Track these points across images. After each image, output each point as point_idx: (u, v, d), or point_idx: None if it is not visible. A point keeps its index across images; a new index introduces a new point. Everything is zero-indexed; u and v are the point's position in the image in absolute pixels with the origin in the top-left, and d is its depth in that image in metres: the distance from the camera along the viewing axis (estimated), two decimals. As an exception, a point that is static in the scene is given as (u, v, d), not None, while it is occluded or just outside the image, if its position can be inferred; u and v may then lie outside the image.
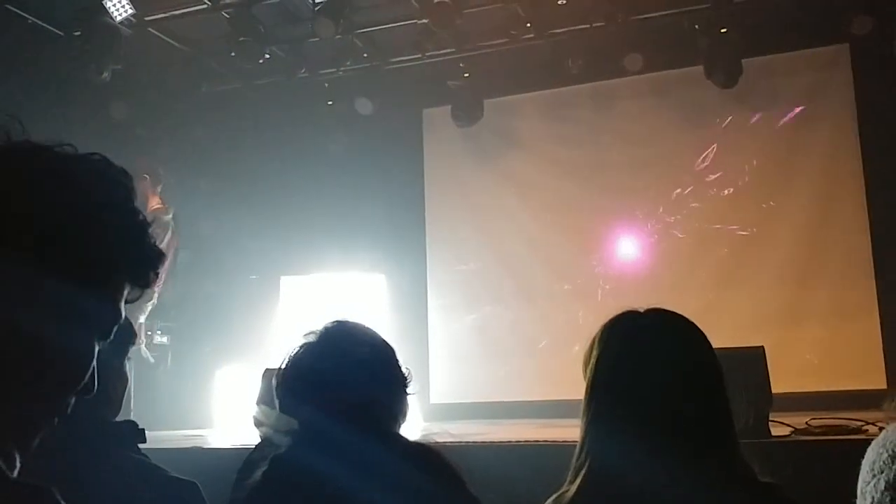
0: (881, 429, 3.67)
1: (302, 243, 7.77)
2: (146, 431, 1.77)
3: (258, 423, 3.58)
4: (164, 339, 7.47)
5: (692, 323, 1.67)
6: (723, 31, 6.91)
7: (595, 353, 1.66)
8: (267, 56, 7.26)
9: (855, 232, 6.94)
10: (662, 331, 1.65)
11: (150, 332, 7.16)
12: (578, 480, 1.57)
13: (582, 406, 1.63)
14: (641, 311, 1.67)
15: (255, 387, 3.54)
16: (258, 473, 0.95)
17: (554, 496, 1.60)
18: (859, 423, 3.79)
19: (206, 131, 8.09)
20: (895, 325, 6.57)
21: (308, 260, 7.67)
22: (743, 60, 7.00)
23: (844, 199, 7.05)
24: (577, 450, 1.60)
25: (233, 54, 7.21)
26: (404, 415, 1.62)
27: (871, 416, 3.81)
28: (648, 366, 1.60)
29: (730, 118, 7.49)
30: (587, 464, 1.59)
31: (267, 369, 3.57)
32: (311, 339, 1.72)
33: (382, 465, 0.91)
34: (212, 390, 7.05)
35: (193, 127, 8.05)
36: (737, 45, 6.95)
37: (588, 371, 1.64)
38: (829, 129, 7.19)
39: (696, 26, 7.01)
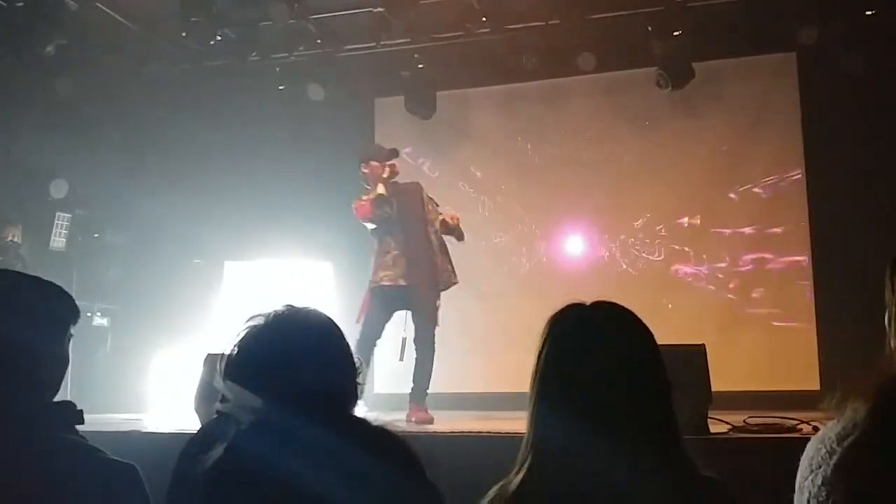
0: (815, 428, 3.79)
1: (248, 228, 7.67)
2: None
3: (198, 409, 3.52)
4: (104, 322, 7.33)
5: (637, 317, 1.69)
6: (675, 34, 7.01)
7: (540, 345, 1.66)
8: (218, 38, 7.14)
9: (796, 237, 7.10)
10: (607, 323, 1.66)
11: (89, 314, 7.01)
12: (523, 471, 1.58)
13: (528, 398, 1.63)
14: (587, 303, 1.68)
15: (195, 372, 3.48)
16: (206, 462, 0.93)
17: (498, 485, 1.60)
18: (794, 423, 3.88)
19: (153, 111, 7.93)
20: (830, 330, 6.74)
21: (254, 245, 7.57)
22: (694, 64, 7.11)
23: (787, 205, 7.21)
24: (524, 441, 1.61)
25: (183, 34, 7.07)
26: (355, 402, 1.61)
27: (806, 415, 3.92)
28: (593, 358, 1.60)
29: (679, 120, 7.59)
30: (531, 455, 1.59)
31: (209, 354, 3.51)
32: (260, 322, 1.69)
33: (339, 451, 0.90)
34: (151, 374, 6.93)
35: (140, 107, 7.88)
36: (688, 49, 7.06)
37: (534, 363, 1.64)
38: (774, 135, 7.35)
39: (650, 28, 7.09)
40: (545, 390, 1.60)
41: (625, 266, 7.56)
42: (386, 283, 5.45)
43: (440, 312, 5.68)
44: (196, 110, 8.02)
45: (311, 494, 0.85)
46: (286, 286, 7.04)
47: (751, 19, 7.02)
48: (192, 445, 1.72)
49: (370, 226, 5.59)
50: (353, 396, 1.64)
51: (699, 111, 7.53)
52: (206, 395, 3.37)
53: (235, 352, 1.65)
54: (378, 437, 0.96)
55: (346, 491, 0.86)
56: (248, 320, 1.71)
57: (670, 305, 7.26)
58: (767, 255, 7.21)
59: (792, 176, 7.22)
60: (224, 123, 8.03)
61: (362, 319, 5.44)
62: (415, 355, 5.53)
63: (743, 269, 7.25)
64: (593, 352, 1.60)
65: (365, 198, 5.57)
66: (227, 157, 8.04)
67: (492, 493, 1.60)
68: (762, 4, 6.88)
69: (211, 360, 3.60)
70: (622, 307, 1.69)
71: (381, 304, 5.47)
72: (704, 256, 7.35)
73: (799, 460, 1.42)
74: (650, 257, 7.52)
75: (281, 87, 7.85)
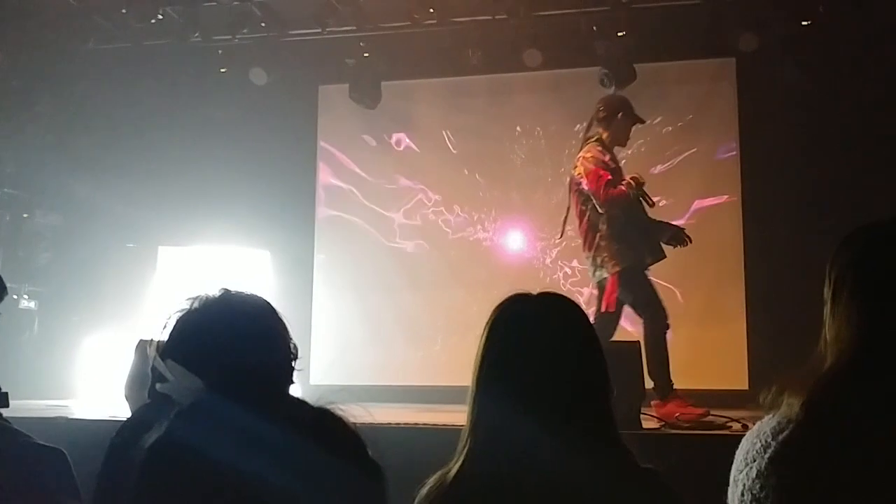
0: (744, 426, 3.87)
1: (184, 213, 7.53)
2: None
3: (128, 395, 3.44)
4: (31, 305, 7.11)
5: (580, 309, 1.70)
6: (620, 34, 7.08)
7: (485, 333, 1.66)
8: (160, 17, 6.97)
9: (730, 239, 7.25)
10: (550, 314, 1.67)
11: (16, 296, 6.80)
12: (462, 458, 1.58)
13: (470, 386, 1.63)
14: (533, 294, 1.69)
15: (126, 358, 3.39)
16: (141, 446, 0.89)
17: (437, 475, 1.60)
18: (724, 420, 3.97)
19: (90, 90, 7.72)
20: (760, 331, 6.91)
21: (189, 231, 7.44)
22: (637, 66, 7.20)
23: (722, 207, 7.36)
24: (463, 430, 1.61)
25: (124, 11, 6.89)
26: (290, 384, 1.58)
27: (736, 413, 4.02)
28: (534, 347, 1.61)
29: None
30: (470, 442, 1.59)
31: (141, 340, 3.43)
32: (196, 305, 1.65)
33: (276, 432, 0.87)
34: (79, 360, 6.75)
35: (76, 84, 7.66)
36: (632, 50, 7.14)
37: (476, 353, 1.64)
38: (711, 139, 7.48)
39: (595, 28, 7.16)
40: (487, 378, 1.60)
41: (561, 263, 7.63)
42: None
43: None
44: (134, 90, 7.82)
45: (250, 476, 0.83)
46: (222, 273, 6.93)
47: (693, 24, 7.14)
48: (123, 431, 1.67)
49: (594, 202, 4.97)
50: (289, 378, 1.62)
51: (641, 112, 7.60)
52: (138, 381, 3.29)
53: (172, 332, 1.61)
54: (317, 418, 0.94)
55: (284, 472, 0.84)
56: (186, 302, 1.67)
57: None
58: (703, 256, 7.33)
59: (727, 180, 7.37)
60: (163, 105, 7.85)
61: (610, 307, 4.89)
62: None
63: (679, 268, 7.36)
64: (535, 341, 1.60)
65: (624, 183, 4.92)
66: (165, 139, 7.87)
67: (431, 481, 1.60)
68: (705, 10, 7.01)
69: (143, 346, 3.52)
70: (567, 298, 1.70)
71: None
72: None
73: (729, 456, 1.44)
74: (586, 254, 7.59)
75: (223, 70, 7.71)
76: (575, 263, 7.57)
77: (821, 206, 6.66)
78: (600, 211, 4.93)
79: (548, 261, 7.66)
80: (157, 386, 0.98)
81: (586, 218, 5.03)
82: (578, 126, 7.65)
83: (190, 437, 0.85)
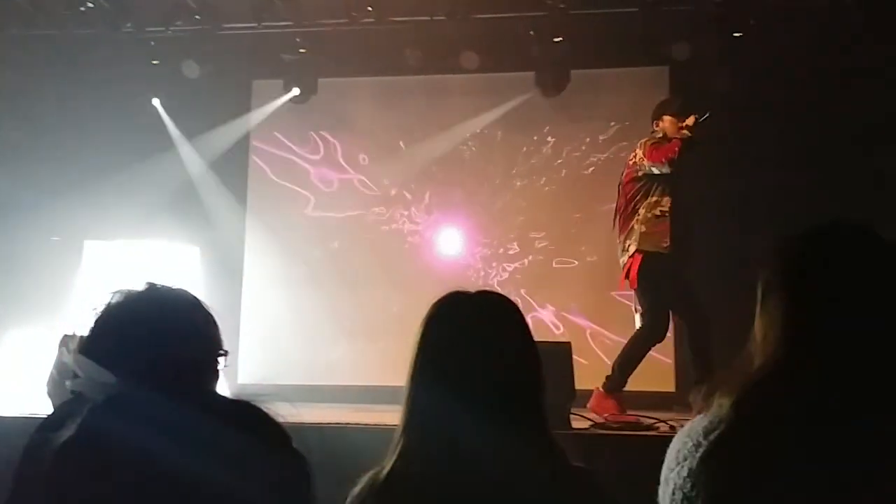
0: (671, 426, 3.94)
1: (111, 207, 7.32)
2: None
3: (51, 392, 3.34)
4: (-53, 298, 6.84)
5: (517, 308, 1.71)
6: (556, 40, 7.16)
7: (420, 329, 1.65)
8: (90, 4, 6.78)
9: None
10: (488, 312, 1.67)
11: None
12: (395, 457, 1.57)
13: (405, 383, 1.62)
14: (471, 291, 1.69)
15: (49, 355, 3.30)
16: (55, 443, 0.86)
17: (369, 474, 1.59)
18: (652, 421, 4.04)
19: (13, 77, 7.45)
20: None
21: (116, 225, 7.25)
22: (572, 71, 7.29)
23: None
24: (397, 430, 1.59)
25: (51, -3, 6.69)
26: (216, 379, 1.55)
27: (663, 415, 4.09)
28: (470, 346, 1.61)
29: (552, 125, 7.75)
30: (402, 442, 1.58)
31: (65, 336, 3.33)
32: (120, 299, 1.61)
33: (197, 425, 0.85)
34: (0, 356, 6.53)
35: (-2, 71, 7.39)
36: (567, 56, 7.23)
37: (412, 350, 1.63)
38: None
39: (532, 32, 7.22)
40: (422, 375, 1.59)
41: (494, 264, 7.67)
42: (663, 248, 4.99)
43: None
44: (59, 79, 7.59)
45: (169, 471, 0.80)
46: (150, 268, 6.77)
47: (628, 32, 7.24)
48: (42, 429, 1.61)
49: (658, 170, 5.06)
50: (213, 373, 1.59)
51: (574, 117, 7.71)
52: (61, 377, 3.19)
53: (93, 326, 1.56)
54: (239, 408, 0.92)
55: (205, 462, 0.82)
56: (111, 295, 1.63)
57: (540, 302, 7.41)
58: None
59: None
60: (89, 95, 7.63)
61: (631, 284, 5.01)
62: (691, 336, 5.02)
63: (607, 272, 7.46)
64: (471, 338, 1.60)
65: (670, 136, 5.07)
66: (92, 130, 7.65)
67: (363, 480, 1.58)
68: (640, 19, 7.12)
69: (66, 341, 3.42)
70: (504, 297, 1.71)
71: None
72: (571, 258, 7.52)
73: (657, 457, 1.46)
74: (520, 254, 7.65)
75: (155, 62, 7.53)
76: (510, 263, 7.62)
77: (748, 212, 6.83)
78: (666, 171, 5.00)
79: (478, 261, 7.69)
80: (68, 383, 0.95)
81: (632, 205, 5.14)
82: (501, 132, 7.76)
83: (102, 433, 0.82)
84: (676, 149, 4.96)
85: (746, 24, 6.88)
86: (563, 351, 4.22)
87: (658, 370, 7.03)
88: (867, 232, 1.47)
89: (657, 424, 4.02)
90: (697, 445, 1.34)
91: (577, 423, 4.08)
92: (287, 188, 8.03)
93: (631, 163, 5.26)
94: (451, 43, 7.26)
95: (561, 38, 7.14)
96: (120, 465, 0.81)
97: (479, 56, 7.25)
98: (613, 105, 7.68)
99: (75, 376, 1.19)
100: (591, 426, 4.10)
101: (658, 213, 5.02)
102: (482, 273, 7.64)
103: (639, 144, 5.27)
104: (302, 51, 7.47)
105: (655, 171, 5.06)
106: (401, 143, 7.95)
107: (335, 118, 8.04)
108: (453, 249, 7.76)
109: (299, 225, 7.96)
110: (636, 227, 5.05)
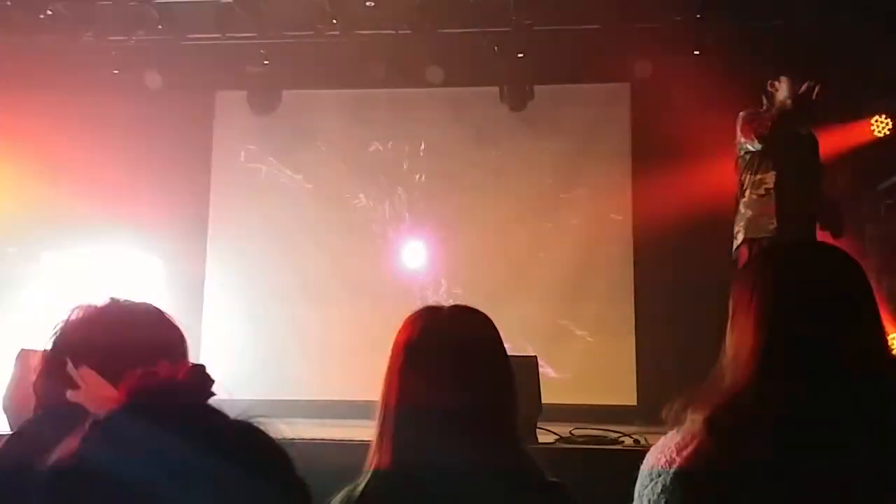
0: (636, 441, 3.96)
1: (69, 217, 7.21)
2: None
3: (6, 408, 3.26)
4: None
5: (491, 321, 1.72)
6: (519, 55, 7.23)
7: (393, 349, 1.65)
8: (49, 12, 6.68)
9: (620, 257, 7.46)
10: (462, 327, 1.68)
11: None
12: (368, 475, 1.56)
13: (378, 401, 1.61)
14: (445, 306, 1.69)
15: (6, 369, 3.22)
16: (37, 470, 0.83)
17: (344, 491, 1.58)
18: (617, 435, 4.07)
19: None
20: (647, 348, 7.12)
21: (75, 236, 7.13)
22: (535, 86, 7.36)
23: (613, 227, 7.56)
24: (371, 446, 1.59)
25: (8, 3, 6.58)
26: (207, 394, 1.52)
27: (626, 429, 4.13)
28: (445, 361, 1.61)
29: (515, 140, 7.80)
30: (377, 459, 1.58)
31: (23, 350, 3.26)
32: (80, 315, 1.58)
33: (201, 459, 0.83)
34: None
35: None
36: (530, 71, 7.29)
37: (388, 366, 1.63)
38: (605, 161, 7.69)
39: (496, 48, 7.28)
40: (397, 391, 1.59)
41: (462, 278, 7.67)
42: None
43: None
44: (16, 86, 7.45)
45: (169, 493, 0.79)
46: (110, 280, 6.67)
47: (591, 49, 7.33)
48: (14, 446, 1.57)
49: (752, 147, 4.63)
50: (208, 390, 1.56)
51: (537, 132, 7.77)
52: (19, 393, 3.12)
53: (53, 343, 1.53)
54: (240, 432, 0.90)
55: (206, 490, 0.80)
56: (71, 311, 1.60)
57: (504, 316, 7.38)
58: (593, 273, 7.52)
59: (618, 201, 7.57)
60: (48, 103, 7.50)
61: None
62: None
63: (571, 285, 7.52)
64: (446, 354, 1.61)
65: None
66: (50, 139, 7.52)
67: (338, 498, 1.57)
68: (602, 36, 7.20)
69: (25, 356, 3.34)
70: (478, 311, 1.71)
71: None
72: (534, 272, 7.56)
73: (623, 471, 1.47)
74: (484, 269, 7.66)
75: (116, 72, 7.44)
76: (474, 278, 7.62)
77: (708, 228, 6.91)
78: (758, 147, 4.58)
79: (443, 276, 7.69)
80: (69, 394, 0.92)
81: (741, 187, 4.74)
82: (464, 146, 7.79)
83: (101, 463, 0.79)
84: (769, 123, 4.51)
85: (704, 43, 7.00)
86: (528, 364, 4.24)
87: (620, 384, 7.10)
88: (830, 248, 1.51)
89: (622, 438, 4.05)
90: (670, 461, 1.36)
91: (543, 437, 4.10)
92: (250, 200, 7.97)
93: (735, 141, 4.84)
94: (417, 57, 7.29)
95: (523, 54, 7.21)
96: (116, 487, 0.79)
97: (443, 70, 7.28)
98: (575, 120, 7.76)
99: (74, 387, 1.17)
100: (557, 440, 4.12)
101: (762, 191, 4.57)
102: (444, 287, 7.64)
103: (739, 117, 4.81)
104: (266, 62, 7.43)
105: (750, 147, 4.65)
106: (365, 157, 7.93)
107: (299, 130, 8.00)
108: (418, 263, 7.74)
109: (260, 237, 7.89)
110: (742, 209, 4.65)
